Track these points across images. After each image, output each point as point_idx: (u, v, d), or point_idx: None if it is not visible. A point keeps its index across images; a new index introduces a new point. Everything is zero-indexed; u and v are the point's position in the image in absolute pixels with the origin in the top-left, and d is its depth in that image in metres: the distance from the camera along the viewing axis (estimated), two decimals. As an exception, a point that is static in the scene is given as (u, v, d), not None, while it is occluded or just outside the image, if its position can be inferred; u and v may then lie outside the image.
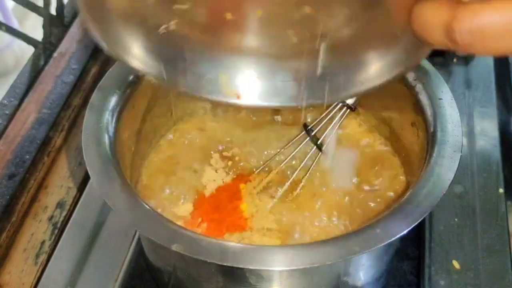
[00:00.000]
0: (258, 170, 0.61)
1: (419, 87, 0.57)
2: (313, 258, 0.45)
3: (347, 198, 0.60)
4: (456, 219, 0.65)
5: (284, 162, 0.61)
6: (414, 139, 0.58)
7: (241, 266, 0.45)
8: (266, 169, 0.62)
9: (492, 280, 0.60)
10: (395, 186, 0.60)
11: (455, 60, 0.80)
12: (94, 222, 0.66)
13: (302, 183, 0.60)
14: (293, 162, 0.62)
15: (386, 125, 0.64)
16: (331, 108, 0.58)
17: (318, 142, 0.58)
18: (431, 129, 0.54)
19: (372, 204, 0.59)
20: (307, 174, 0.60)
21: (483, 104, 0.76)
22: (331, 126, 0.58)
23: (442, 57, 0.81)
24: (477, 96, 0.77)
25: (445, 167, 0.50)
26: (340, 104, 0.57)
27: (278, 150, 0.62)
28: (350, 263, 0.53)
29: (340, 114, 0.57)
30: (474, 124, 0.74)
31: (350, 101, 0.57)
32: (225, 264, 0.45)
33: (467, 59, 0.81)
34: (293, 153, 0.60)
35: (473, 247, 0.62)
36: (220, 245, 0.46)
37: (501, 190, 0.67)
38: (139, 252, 0.63)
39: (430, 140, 0.53)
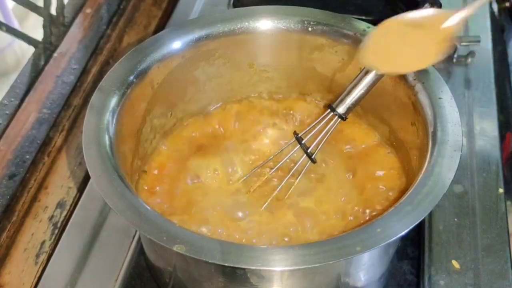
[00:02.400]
0: (243, 179, 0.61)
1: (418, 87, 0.57)
2: (313, 258, 0.45)
3: (345, 198, 0.60)
4: (455, 219, 0.65)
5: (272, 170, 0.61)
6: (414, 138, 0.58)
7: (242, 266, 0.45)
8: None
9: (492, 280, 0.60)
10: (395, 186, 0.60)
11: (454, 60, 0.80)
12: (94, 222, 0.66)
13: (291, 190, 0.60)
14: (283, 170, 0.62)
15: (386, 125, 0.64)
16: (322, 117, 0.58)
17: (309, 151, 0.58)
18: (431, 129, 0.54)
19: (372, 204, 0.59)
20: (297, 181, 0.60)
21: (482, 104, 0.76)
22: (321, 135, 0.58)
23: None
24: (477, 96, 0.77)
25: (445, 167, 0.50)
26: (332, 114, 0.57)
27: (268, 158, 0.62)
28: (351, 263, 0.53)
29: (331, 124, 0.57)
30: (474, 124, 0.74)
31: (341, 111, 0.57)
32: (226, 264, 0.45)
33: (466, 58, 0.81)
34: (282, 161, 0.60)
35: (473, 247, 0.62)
36: (221, 245, 0.46)
37: (501, 190, 0.67)
38: (139, 252, 0.63)
39: (430, 139, 0.53)
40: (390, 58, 0.54)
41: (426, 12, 0.54)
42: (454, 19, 0.52)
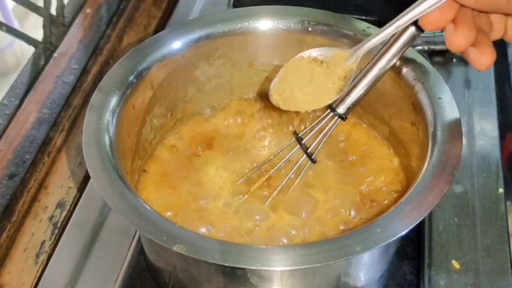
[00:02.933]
0: (243, 179, 0.61)
1: (418, 87, 0.57)
2: (313, 258, 0.45)
3: (345, 197, 0.60)
4: (455, 219, 0.65)
5: (272, 170, 0.61)
6: (414, 139, 0.58)
7: (242, 266, 0.45)
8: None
9: (492, 280, 0.60)
10: (395, 186, 0.60)
11: (454, 60, 0.80)
12: (94, 222, 0.66)
13: (290, 190, 0.60)
14: (283, 170, 0.62)
15: (386, 125, 0.64)
16: (322, 117, 0.58)
17: (308, 151, 0.58)
18: (431, 129, 0.54)
19: (372, 204, 0.59)
20: (297, 181, 0.60)
21: (482, 104, 0.76)
22: (321, 136, 0.58)
23: (442, 57, 0.81)
24: (477, 96, 0.77)
25: (445, 167, 0.50)
26: (332, 114, 0.57)
27: (269, 158, 0.62)
28: (351, 263, 0.53)
29: (331, 124, 0.57)
30: (474, 124, 0.74)
31: (341, 111, 0.57)
32: (226, 264, 0.45)
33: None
34: (282, 162, 0.60)
35: (473, 247, 0.62)
36: (221, 245, 0.46)
37: (501, 190, 0.67)
38: (139, 252, 0.63)
39: (430, 139, 0.53)
40: (293, 96, 0.56)
41: (329, 49, 0.56)
42: (355, 56, 0.54)
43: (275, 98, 0.57)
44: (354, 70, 0.55)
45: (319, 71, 0.55)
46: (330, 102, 0.56)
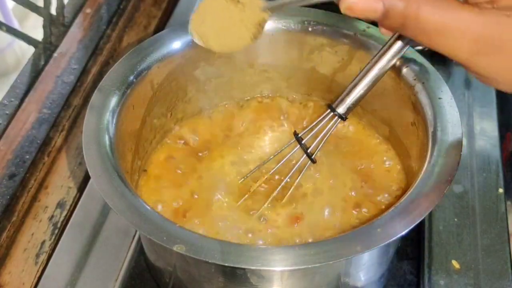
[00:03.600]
0: (243, 178, 0.61)
1: (418, 87, 0.57)
2: (313, 258, 0.45)
3: (345, 198, 0.60)
4: (455, 219, 0.65)
5: (272, 170, 0.61)
6: (414, 139, 0.58)
7: (242, 266, 0.45)
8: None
9: (492, 280, 0.60)
10: (395, 186, 0.60)
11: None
12: (94, 222, 0.66)
13: (291, 190, 0.60)
14: (283, 170, 0.62)
15: (386, 125, 0.64)
16: (322, 117, 0.58)
17: (308, 151, 0.58)
18: (431, 129, 0.54)
19: (372, 204, 0.59)
20: (297, 181, 0.60)
21: (483, 104, 0.76)
22: (321, 136, 0.58)
23: (442, 57, 0.81)
24: (477, 96, 0.77)
25: (445, 167, 0.50)
26: (332, 114, 0.57)
27: (269, 158, 0.62)
28: (351, 263, 0.53)
29: (331, 124, 0.57)
30: (474, 124, 0.74)
31: (341, 111, 0.57)
32: (226, 264, 0.45)
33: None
34: (282, 162, 0.60)
35: (472, 247, 0.62)
36: (221, 245, 0.46)
37: (501, 190, 0.67)
38: (139, 252, 0.63)
39: (430, 139, 0.53)
40: (209, 37, 0.56)
41: None
42: (267, 9, 0.54)
43: (194, 34, 0.57)
44: (266, 21, 0.55)
45: (235, 13, 0.55)
46: (243, 47, 0.56)
